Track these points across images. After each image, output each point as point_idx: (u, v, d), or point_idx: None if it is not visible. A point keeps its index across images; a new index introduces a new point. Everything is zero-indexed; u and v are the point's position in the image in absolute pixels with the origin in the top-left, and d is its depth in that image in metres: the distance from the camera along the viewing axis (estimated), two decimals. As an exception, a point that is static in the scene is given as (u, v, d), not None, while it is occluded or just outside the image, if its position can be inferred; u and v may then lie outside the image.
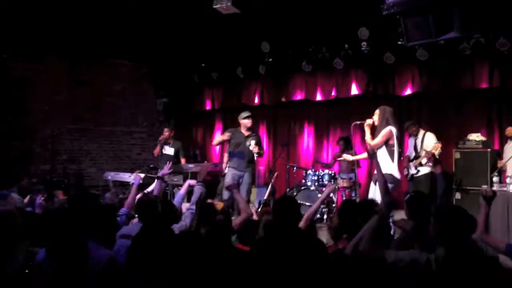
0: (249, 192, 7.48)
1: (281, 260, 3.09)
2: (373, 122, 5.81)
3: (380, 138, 5.64)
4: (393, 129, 5.61)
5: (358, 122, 6.48)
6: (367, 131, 5.88)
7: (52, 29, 8.16)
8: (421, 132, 7.39)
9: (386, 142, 5.62)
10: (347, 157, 7.12)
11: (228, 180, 7.34)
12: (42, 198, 5.19)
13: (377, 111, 5.86)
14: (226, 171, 8.22)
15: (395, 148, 5.59)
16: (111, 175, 8.84)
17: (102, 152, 10.24)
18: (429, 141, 7.10)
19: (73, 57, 9.45)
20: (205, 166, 5.68)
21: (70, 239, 2.67)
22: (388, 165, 5.49)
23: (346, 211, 3.66)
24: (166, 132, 8.56)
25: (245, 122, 7.35)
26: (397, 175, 5.57)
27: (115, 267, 2.87)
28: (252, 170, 7.37)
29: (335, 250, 3.38)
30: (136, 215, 4.04)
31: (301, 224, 3.83)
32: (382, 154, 5.61)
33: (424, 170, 7.10)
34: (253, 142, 7.06)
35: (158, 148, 8.63)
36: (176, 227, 3.92)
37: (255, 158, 7.28)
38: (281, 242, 3.21)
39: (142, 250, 2.55)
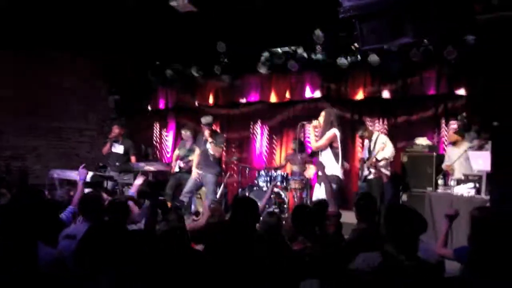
0: (214, 192, 7.61)
1: (236, 261, 3.08)
2: (319, 124, 5.97)
3: (324, 140, 5.85)
4: (337, 131, 5.80)
5: (305, 122, 6.65)
6: (312, 133, 6.07)
7: (1, 21, 7.81)
8: (375, 134, 7.58)
9: (331, 144, 5.82)
10: (309, 174, 7.38)
11: (192, 180, 7.71)
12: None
13: (322, 113, 6.05)
14: (175, 169, 8.30)
15: (339, 150, 5.82)
16: (57, 173, 8.56)
17: (49, 149, 9.88)
18: (388, 143, 7.28)
19: (21, 50, 9.05)
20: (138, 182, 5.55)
21: (18, 239, 2.56)
22: (333, 167, 5.71)
23: (298, 216, 3.71)
24: (116, 130, 8.39)
25: (203, 128, 7.57)
26: (340, 175, 5.81)
27: (62, 266, 2.77)
28: (216, 171, 7.58)
29: (294, 251, 3.41)
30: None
31: None
32: (327, 156, 5.83)
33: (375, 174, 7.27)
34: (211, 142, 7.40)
35: (107, 146, 8.44)
36: (135, 228, 3.85)
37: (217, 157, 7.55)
38: (237, 243, 3.21)
39: (90, 251, 2.47)
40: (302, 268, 2.88)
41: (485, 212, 3.55)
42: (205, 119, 7.55)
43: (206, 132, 7.44)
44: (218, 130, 10.51)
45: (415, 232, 2.77)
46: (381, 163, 7.11)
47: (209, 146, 7.44)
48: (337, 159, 5.78)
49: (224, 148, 7.73)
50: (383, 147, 7.11)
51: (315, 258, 2.85)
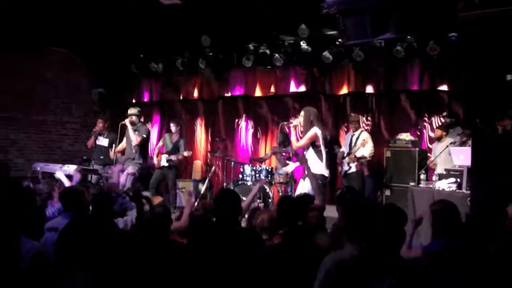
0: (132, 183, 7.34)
1: (218, 253, 3.10)
2: (299, 124, 5.96)
3: (304, 140, 5.81)
4: (318, 130, 5.78)
5: (285, 123, 6.64)
6: (293, 133, 6.06)
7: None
8: (359, 129, 7.64)
9: (313, 144, 5.78)
10: (287, 169, 7.37)
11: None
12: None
13: (302, 113, 6.00)
14: (163, 163, 8.28)
15: (322, 149, 5.76)
16: (40, 166, 8.49)
17: (31, 142, 9.76)
18: (369, 140, 7.34)
19: (4, 43, 8.86)
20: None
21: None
22: (317, 165, 5.69)
23: (284, 207, 3.70)
24: (100, 123, 8.35)
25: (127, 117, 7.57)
26: (326, 173, 5.78)
27: (44, 259, 2.75)
28: (137, 161, 7.38)
29: (272, 245, 3.42)
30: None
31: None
32: (310, 155, 5.79)
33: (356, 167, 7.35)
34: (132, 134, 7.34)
35: (92, 139, 8.39)
36: (121, 221, 3.85)
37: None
38: (220, 237, 3.23)
39: (69, 243, 2.46)
40: (278, 262, 2.90)
41: (444, 204, 3.60)
42: (130, 110, 7.63)
43: (127, 120, 7.44)
44: (202, 125, 10.53)
45: (389, 227, 2.77)
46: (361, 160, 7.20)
47: (131, 134, 7.38)
48: (320, 158, 5.74)
49: (144, 137, 7.50)
50: (364, 143, 7.18)
51: (294, 252, 2.86)
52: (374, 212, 3.06)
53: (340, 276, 2.52)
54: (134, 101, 10.77)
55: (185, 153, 8.60)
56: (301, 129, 6.08)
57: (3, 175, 8.95)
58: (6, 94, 9.16)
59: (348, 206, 3.88)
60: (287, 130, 6.08)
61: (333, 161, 7.76)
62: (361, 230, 2.71)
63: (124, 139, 7.66)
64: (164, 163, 8.46)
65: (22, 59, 9.36)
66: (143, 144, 7.56)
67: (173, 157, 8.42)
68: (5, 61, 9.11)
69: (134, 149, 7.39)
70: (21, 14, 7.82)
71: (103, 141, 8.33)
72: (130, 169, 7.07)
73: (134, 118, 7.50)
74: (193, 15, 7.73)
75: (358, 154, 7.33)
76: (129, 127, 7.38)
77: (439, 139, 7.17)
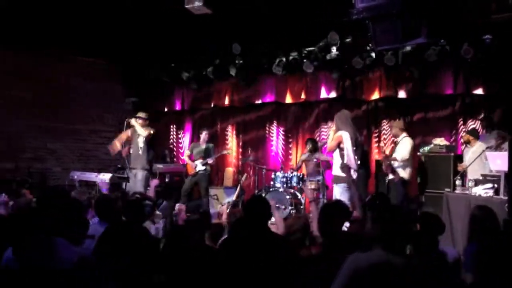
0: (142, 188, 7.36)
1: (248, 259, 3.11)
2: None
3: (332, 142, 6.06)
4: (344, 133, 5.91)
5: (326, 126, 6.69)
6: (331, 135, 6.16)
7: (20, 23, 7.95)
8: (402, 135, 7.17)
9: (339, 146, 5.96)
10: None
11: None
12: (6, 196, 5.05)
13: (335, 116, 6.23)
14: (199, 168, 8.35)
15: (346, 151, 5.89)
16: (77, 175, 8.74)
17: (67, 151, 10.03)
18: (403, 146, 7.00)
19: (41, 54, 9.22)
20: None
21: (36, 237, 2.63)
22: (337, 168, 5.90)
23: (328, 215, 3.60)
24: (133, 132, 8.48)
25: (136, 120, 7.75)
26: (343, 175, 5.87)
27: (86, 265, 2.83)
28: (145, 165, 7.59)
29: (308, 255, 3.37)
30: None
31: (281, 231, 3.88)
32: (336, 157, 6.03)
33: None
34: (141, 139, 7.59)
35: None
36: (153, 228, 3.92)
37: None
38: (249, 242, 3.24)
39: (108, 250, 2.53)
40: (316, 273, 2.88)
41: (486, 211, 3.50)
42: (139, 113, 7.87)
43: (133, 120, 7.66)
44: (233, 132, 10.59)
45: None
46: (395, 164, 6.95)
47: (138, 130, 7.56)
48: (342, 160, 5.92)
49: (152, 132, 7.79)
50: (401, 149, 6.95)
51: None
52: (406, 219, 3.02)
53: (368, 277, 2.50)
54: (166, 109, 10.95)
55: (224, 151, 9.18)
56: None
57: (42, 183, 9.27)
58: (43, 104, 9.48)
59: (380, 212, 3.82)
60: (331, 134, 6.19)
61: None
62: (395, 236, 2.68)
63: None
64: (200, 168, 8.55)
65: (57, 70, 9.67)
66: (150, 148, 7.76)
67: (209, 160, 8.55)
68: (42, 72, 9.43)
69: (141, 150, 7.54)
70: (56, 23, 8.07)
71: (136, 150, 8.46)
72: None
73: (140, 120, 7.71)
74: (223, 24, 7.81)
75: (394, 156, 7.08)
76: (136, 125, 7.59)
77: (467, 143, 7.01)
